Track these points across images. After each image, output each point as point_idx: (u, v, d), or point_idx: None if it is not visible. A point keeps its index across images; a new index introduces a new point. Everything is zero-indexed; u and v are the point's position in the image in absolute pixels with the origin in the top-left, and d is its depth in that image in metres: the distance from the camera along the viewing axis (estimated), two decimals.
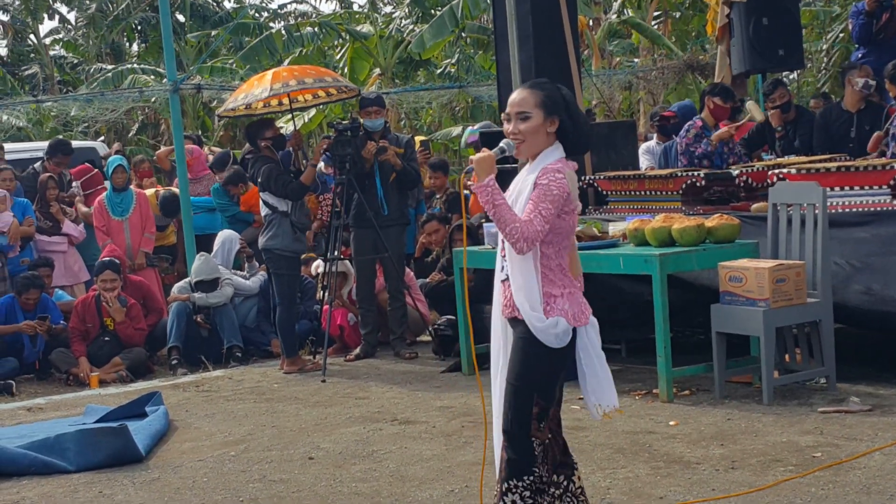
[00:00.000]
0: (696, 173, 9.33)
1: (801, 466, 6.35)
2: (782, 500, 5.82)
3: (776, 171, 8.94)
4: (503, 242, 4.95)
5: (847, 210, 8.45)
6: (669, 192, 9.39)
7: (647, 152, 12.96)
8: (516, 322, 4.97)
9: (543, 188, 4.77)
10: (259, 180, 10.60)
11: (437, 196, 13.05)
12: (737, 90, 12.55)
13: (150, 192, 13.58)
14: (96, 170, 14.01)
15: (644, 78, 24.26)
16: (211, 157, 15.26)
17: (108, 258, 11.62)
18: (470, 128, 16.30)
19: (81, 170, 13.72)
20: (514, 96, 4.96)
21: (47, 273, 11.99)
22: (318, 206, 12.98)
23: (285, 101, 11.48)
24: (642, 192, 9.62)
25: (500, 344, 5.10)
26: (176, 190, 13.37)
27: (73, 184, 13.43)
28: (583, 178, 10.04)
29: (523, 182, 4.93)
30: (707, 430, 7.29)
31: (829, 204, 8.20)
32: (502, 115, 5.00)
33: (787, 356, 8.36)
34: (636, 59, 29.44)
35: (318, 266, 11.68)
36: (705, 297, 8.45)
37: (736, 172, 9.32)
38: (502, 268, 5.01)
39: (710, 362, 8.22)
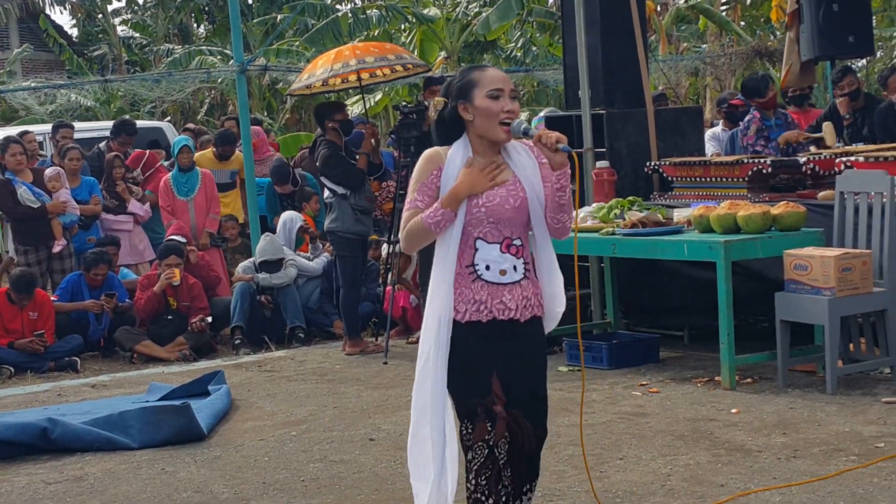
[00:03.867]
0: (762, 160, 9.25)
1: (863, 457, 6.30)
2: (844, 491, 5.77)
3: (844, 158, 8.85)
4: (523, 238, 4.54)
5: None
6: (735, 179, 9.31)
7: (713, 138, 12.87)
8: (518, 326, 4.52)
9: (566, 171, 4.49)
10: (318, 164, 10.65)
11: None
12: (805, 77, 12.44)
13: None
14: (148, 151, 14.03)
15: (711, 64, 24.10)
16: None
17: (172, 242, 11.70)
18: (536, 117, 16.26)
19: (135, 157, 13.77)
20: (500, 73, 4.53)
21: (114, 252, 12.10)
22: (379, 192, 12.96)
23: (352, 78, 11.44)
24: (708, 179, 9.55)
25: (432, 343, 4.52)
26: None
27: (135, 172, 13.51)
28: (648, 163, 10.00)
29: (523, 167, 4.52)
30: (769, 418, 7.25)
31: None
32: (488, 91, 4.42)
33: (851, 345, 8.29)
34: (703, 45, 29.23)
35: (385, 248, 11.72)
36: (770, 285, 8.39)
37: (803, 160, 9.23)
38: (506, 270, 4.49)
39: (774, 350, 8.17)
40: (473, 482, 4.49)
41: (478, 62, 29.04)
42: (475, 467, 4.48)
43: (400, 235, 4.56)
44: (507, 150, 4.55)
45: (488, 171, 4.44)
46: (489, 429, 4.47)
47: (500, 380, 4.48)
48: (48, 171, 12.37)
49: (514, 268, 4.49)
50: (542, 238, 4.59)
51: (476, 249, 4.48)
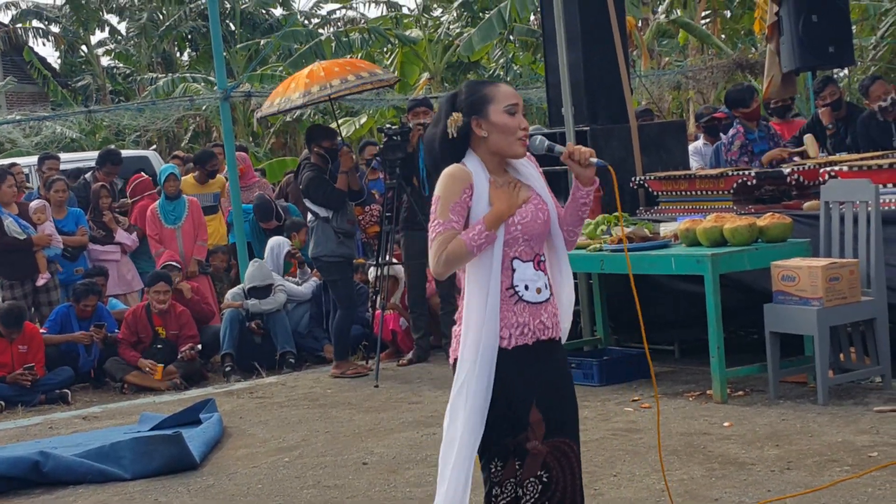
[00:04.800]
0: (747, 172, 9.28)
1: (857, 466, 6.30)
2: (839, 501, 5.78)
3: (828, 168, 8.88)
4: (548, 253, 4.43)
5: None
6: (720, 192, 9.33)
7: (696, 153, 12.88)
8: (555, 345, 4.40)
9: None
10: (301, 186, 10.68)
11: None
12: (787, 88, 12.47)
13: None
14: (147, 176, 14.08)
15: (693, 77, 24.13)
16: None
17: (161, 270, 11.71)
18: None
19: (132, 181, 13.84)
20: (512, 89, 4.40)
21: (102, 282, 12.09)
22: (363, 215, 12.95)
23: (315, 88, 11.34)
24: (693, 192, 9.57)
25: (475, 374, 4.24)
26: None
27: (125, 198, 13.53)
28: (633, 178, 10.02)
29: (534, 179, 4.42)
30: (762, 430, 7.25)
31: (882, 201, 8.13)
32: (505, 107, 4.31)
33: (841, 355, 8.30)
34: (686, 59, 29.31)
35: (372, 272, 11.71)
36: (758, 297, 8.40)
37: (787, 171, 9.26)
38: (541, 288, 4.35)
39: (764, 362, 8.17)
40: None
41: (461, 81, 29.11)
42: (502, 502, 4.33)
43: (435, 258, 4.26)
44: (514, 164, 4.42)
45: (517, 189, 4.32)
46: (517, 467, 4.28)
47: (538, 408, 4.28)
48: (33, 204, 12.35)
49: (546, 285, 4.37)
50: (562, 254, 4.47)
51: (514, 270, 4.31)
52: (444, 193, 4.29)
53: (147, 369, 10.97)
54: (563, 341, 4.48)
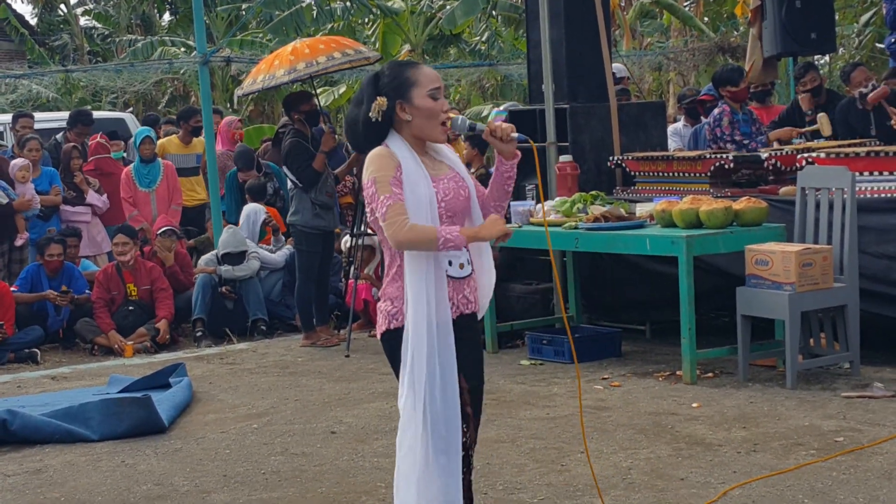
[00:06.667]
0: (724, 155, 9.29)
1: (822, 451, 6.34)
2: (803, 484, 5.81)
3: (805, 154, 8.90)
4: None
5: (876, 195, 8.39)
6: (697, 174, 9.35)
7: (675, 134, 12.90)
8: (474, 318, 4.53)
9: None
10: (282, 153, 10.65)
11: (472, 170, 12.99)
12: (768, 73, 12.48)
13: None
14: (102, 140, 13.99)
15: (675, 59, 24.15)
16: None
17: (124, 224, 11.77)
18: (496, 109, 16.24)
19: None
20: (435, 72, 4.48)
21: (75, 243, 12.04)
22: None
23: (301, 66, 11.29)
24: (670, 174, 9.58)
25: (435, 348, 4.34)
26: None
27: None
28: (611, 158, 10.03)
29: (452, 160, 4.54)
30: (730, 412, 7.28)
31: (857, 189, 8.16)
32: (428, 90, 4.38)
33: (811, 340, 8.34)
34: (668, 41, 29.31)
35: (345, 241, 11.69)
36: (731, 280, 8.43)
37: (765, 156, 9.27)
38: (464, 264, 4.45)
39: (735, 345, 8.21)
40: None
41: (443, 55, 29.05)
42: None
43: (396, 227, 4.29)
44: (434, 147, 4.52)
45: (504, 224, 4.40)
46: (464, 430, 4.43)
47: (464, 376, 4.42)
48: (17, 162, 12.27)
49: (468, 261, 4.47)
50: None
51: None
52: (379, 172, 4.34)
53: (116, 347, 10.91)
54: (481, 316, 4.62)
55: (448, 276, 4.39)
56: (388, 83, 4.41)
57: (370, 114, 4.37)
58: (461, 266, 4.43)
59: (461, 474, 4.38)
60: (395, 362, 4.47)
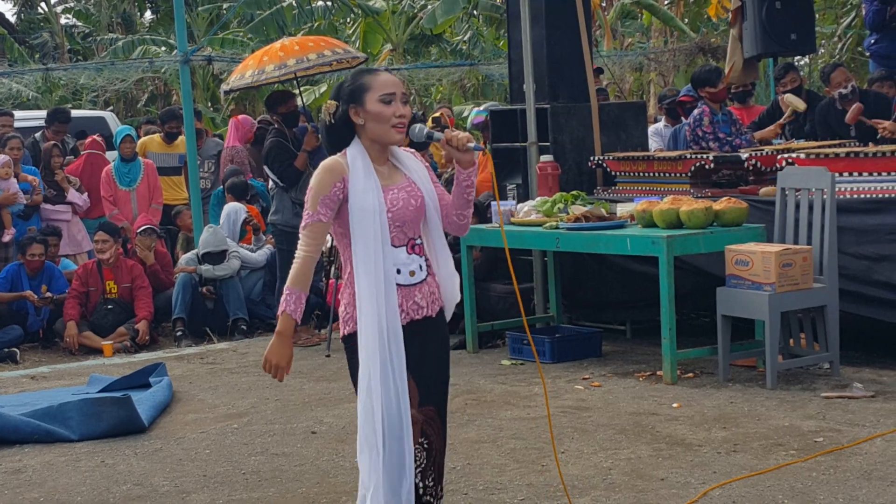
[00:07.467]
0: (705, 156, 9.31)
1: (802, 451, 6.35)
2: (783, 484, 5.82)
3: (785, 155, 8.92)
4: (422, 236, 4.57)
5: (855, 196, 8.42)
6: (678, 175, 9.37)
7: (656, 134, 12.92)
8: (429, 322, 4.55)
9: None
10: (263, 153, 10.65)
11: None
12: (748, 74, 12.51)
13: None
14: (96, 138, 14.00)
15: (655, 60, 24.20)
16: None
17: (106, 221, 11.74)
18: (476, 108, 16.24)
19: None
20: (392, 78, 4.55)
21: (55, 242, 12.00)
22: None
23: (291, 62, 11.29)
24: (651, 174, 9.60)
25: (381, 352, 4.40)
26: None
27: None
28: (592, 158, 10.04)
29: (414, 170, 4.59)
30: (710, 412, 7.29)
31: (837, 189, 8.18)
32: (380, 95, 4.44)
33: (791, 340, 8.36)
34: (649, 41, 29.36)
35: (326, 241, 11.66)
36: (711, 280, 8.44)
37: (745, 156, 9.29)
38: (414, 271, 4.51)
39: (715, 345, 8.22)
40: None
41: (424, 55, 29.05)
42: None
43: (299, 248, 4.50)
44: (397, 156, 4.60)
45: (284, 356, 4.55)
46: (428, 438, 4.52)
47: (414, 380, 4.47)
48: None
49: (420, 267, 4.54)
50: (437, 237, 4.62)
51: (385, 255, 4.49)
52: (316, 187, 4.46)
53: (67, 339, 10.91)
54: (448, 317, 4.69)
55: (397, 283, 4.46)
56: (346, 88, 4.52)
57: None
58: (411, 273, 4.51)
59: (413, 477, 4.42)
60: (349, 365, 4.59)
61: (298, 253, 4.49)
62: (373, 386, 4.40)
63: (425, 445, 4.49)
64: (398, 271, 4.47)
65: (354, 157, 4.49)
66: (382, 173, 4.51)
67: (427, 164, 4.66)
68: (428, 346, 4.54)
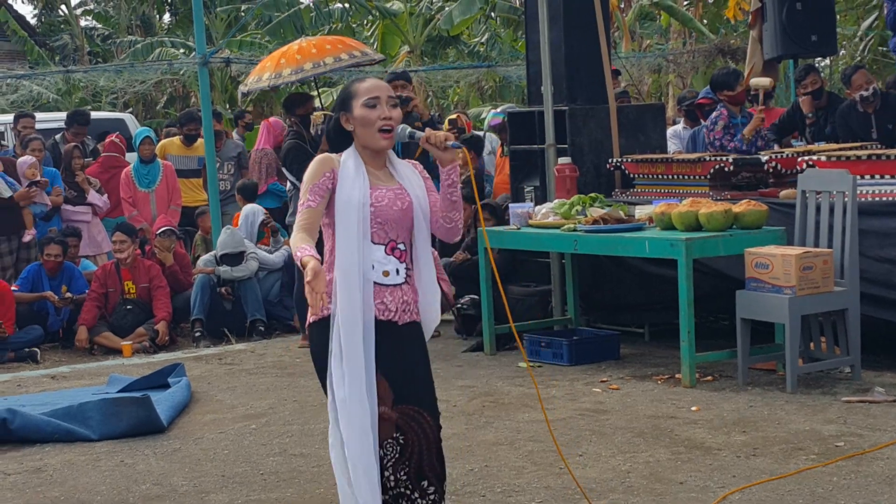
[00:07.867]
0: (724, 158, 9.28)
1: (823, 455, 6.33)
2: (803, 489, 5.80)
3: (806, 157, 8.89)
4: (407, 244, 4.63)
5: (877, 199, 8.37)
6: (697, 177, 9.34)
7: (675, 136, 12.89)
8: (398, 328, 4.59)
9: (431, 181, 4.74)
10: (281, 154, 10.67)
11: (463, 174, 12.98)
12: (768, 75, 12.47)
13: None
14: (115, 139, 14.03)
15: (674, 61, 24.15)
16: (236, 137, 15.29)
17: (124, 222, 11.78)
18: (493, 111, 16.23)
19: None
20: (377, 82, 4.66)
21: (75, 243, 12.04)
22: None
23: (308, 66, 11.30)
24: (670, 176, 9.58)
25: (361, 349, 4.50)
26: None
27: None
28: (610, 160, 10.02)
29: (408, 178, 4.65)
30: (729, 416, 7.27)
31: (858, 192, 8.15)
32: (364, 100, 4.55)
33: (811, 344, 8.32)
34: (668, 43, 29.30)
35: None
36: (731, 283, 8.42)
37: (765, 158, 9.26)
38: (389, 272, 4.57)
39: (734, 349, 8.19)
40: None
41: (441, 57, 29.06)
42: None
43: (293, 233, 4.57)
44: (395, 165, 4.68)
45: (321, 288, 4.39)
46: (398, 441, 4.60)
47: (384, 376, 4.53)
48: (25, 160, 12.28)
49: (397, 271, 4.59)
50: (422, 247, 4.67)
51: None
52: (308, 176, 4.59)
53: (77, 343, 10.96)
54: (427, 337, 4.74)
55: (372, 280, 4.54)
56: (338, 97, 4.68)
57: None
58: (385, 273, 4.57)
59: (377, 468, 4.54)
60: (316, 351, 4.77)
61: (304, 221, 4.54)
62: (346, 371, 4.50)
63: (401, 440, 4.56)
64: (371, 267, 4.54)
65: (347, 156, 4.62)
66: (376, 175, 4.61)
67: (426, 175, 4.73)
68: (402, 347, 4.60)
